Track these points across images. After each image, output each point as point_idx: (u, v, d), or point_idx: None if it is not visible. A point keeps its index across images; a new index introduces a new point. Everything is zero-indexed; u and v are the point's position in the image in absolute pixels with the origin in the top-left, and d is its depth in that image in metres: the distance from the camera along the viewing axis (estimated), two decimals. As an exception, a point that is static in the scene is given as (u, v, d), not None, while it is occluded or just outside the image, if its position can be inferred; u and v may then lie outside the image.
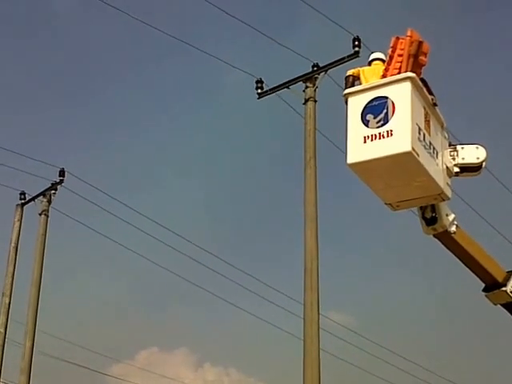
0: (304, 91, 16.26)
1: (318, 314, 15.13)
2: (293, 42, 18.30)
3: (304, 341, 14.94)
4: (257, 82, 16.87)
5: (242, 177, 43.77)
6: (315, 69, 16.22)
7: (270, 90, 16.85)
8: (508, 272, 9.81)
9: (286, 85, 16.61)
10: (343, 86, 8.95)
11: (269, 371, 35.71)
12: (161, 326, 38.03)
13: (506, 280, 9.67)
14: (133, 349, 38.45)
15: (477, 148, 8.97)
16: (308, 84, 16.22)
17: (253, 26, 17.13)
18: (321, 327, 15.21)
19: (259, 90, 16.88)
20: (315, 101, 16.18)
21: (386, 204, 8.79)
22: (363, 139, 8.15)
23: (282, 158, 39.42)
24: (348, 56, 15.80)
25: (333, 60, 16.10)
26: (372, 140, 8.10)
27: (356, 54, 15.62)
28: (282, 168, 39.91)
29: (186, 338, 37.76)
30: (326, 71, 16.17)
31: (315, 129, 16.10)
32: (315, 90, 16.20)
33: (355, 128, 8.25)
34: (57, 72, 46.77)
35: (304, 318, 15.10)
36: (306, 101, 16.18)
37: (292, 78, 16.52)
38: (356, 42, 15.66)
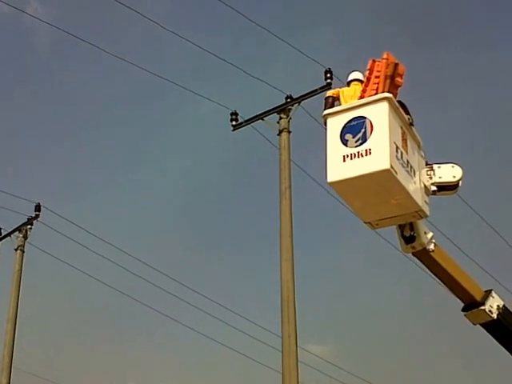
0: (278, 122, 16.51)
1: (296, 345, 15.10)
2: (267, 74, 18.63)
3: (282, 373, 14.86)
4: (231, 114, 17.09)
5: (217, 208, 43.86)
6: (289, 100, 16.52)
7: (245, 121, 17.06)
8: (486, 291, 9.92)
9: (261, 116, 16.86)
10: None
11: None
12: (137, 361, 37.55)
13: (485, 299, 9.77)
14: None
15: (453, 167, 9.15)
16: (282, 115, 16.49)
17: (227, 60, 17.40)
18: (299, 360, 15.16)
19: (234, 122, 17.08)
20: (289, 132, 16.42)
21: (365, 223, 8.90)
22: (342, 158, 8.30)
23: (257, 189, 39.59)
24: (320, 88, 16.11)
25: (306, 92, 16.40)
26: (351, 159, 8.26)
27: (328, 86, 15.90)
28: (257, 199, 40.06)
29: (163, 374, 37.24)
30: (300, 103, 16.47)
31: (290, 159, 16.29)
32: (289, 121, 16.46)
33: (334, 147, 8.41)
34: (33, 105, 46.79)
35: (282, 351, 15.04)
36: (280, 132, 16.42)
37: (266, 109, 16.76)
38: (328, 74, 15.99)
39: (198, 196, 43.81)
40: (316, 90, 16.17)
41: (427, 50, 44.28)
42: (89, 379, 34.03)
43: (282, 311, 15.23)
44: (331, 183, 8.37)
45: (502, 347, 10.53)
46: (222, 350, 26.60)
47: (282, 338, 15.13)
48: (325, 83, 15.98)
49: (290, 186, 16.11)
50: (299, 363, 15.15)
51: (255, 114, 16.92)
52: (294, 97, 16.51)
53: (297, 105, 16.48)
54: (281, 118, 16.46)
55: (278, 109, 16.55)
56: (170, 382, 38.39)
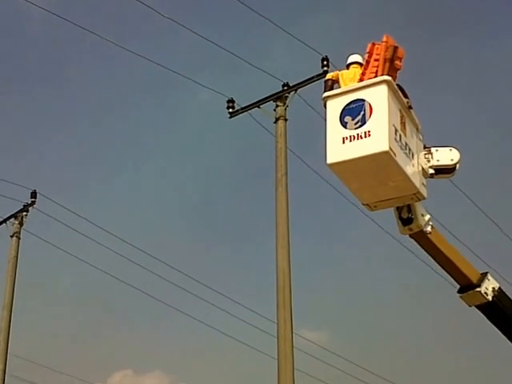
0: (275, 110, 16.58)
1: (292, 331, 15.21)
2: (264, 62, 18.71)
3: (278, 359, 14.99)
4: (228, 101, 17.13)
5: (214, 194, 44.02)
6: (285, 88, 16.59)
7: (242, 109, 17.11)
8: (482, 274, 10.04)
9: (257, 104, 16.92)
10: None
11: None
12: (134, 348, 37.68)
13: (480, 281, 9.89)
14: (106, 371, 37.99)
15: (450, 150, 9.26)
16: (278, 103, 16.57)
17: (224, 48, 17.44)
18: (294, 346, 15.27)
19: (230, 110, 17.13)
20: (286, 119, 16.51)
21: (363, 205, 9.02)
22: (342, 140, 8.40)
23: (254, 177, 39.68)
24: (317, 75, 16.19)
25: (302, 79, 16.47)
26: (350, 141, 8.35)
27: (325, 74, 15.81)
28: (253, 186, 40.16)
29: (160, 359, 37.42)
30: (296, 90, 16.54)
31: (286, 147, 16.39)
32: (285, 109, 16.54)
33: (334, 129, 8.49)
34: (28, 92, 46.75)
35: (277, 336, 15.15)
36: (277, 119, 16.50)
37: (263, 97, 16.82)
38: (325, 62, 16.07)
39: (195, 184, 44.01)
40: (312, 78, 16.26)
41: (430, 37, 44.38)
42: (88, 366, 34.21)
43: (277, 297, 15.33)
44: (330, 165, 8.46)
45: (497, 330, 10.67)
46: (216, 335, 26.75)
47: (277, 323, 15.24)
48: (321, 71, 16.05)
49: (286, 174, 16.20)
50: (295, 349, 15.27)
51: (252, 102, 16.99)
52: (291, 84, 16.57)
53: (293, 92, 16.56)
54: (277, 106, 16.53)
55: (275, 96, 16.62)
56: (168, 368, 38.61)
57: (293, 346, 15.16)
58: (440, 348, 35.70)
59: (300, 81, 16.51)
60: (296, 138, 17.15)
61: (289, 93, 16.57)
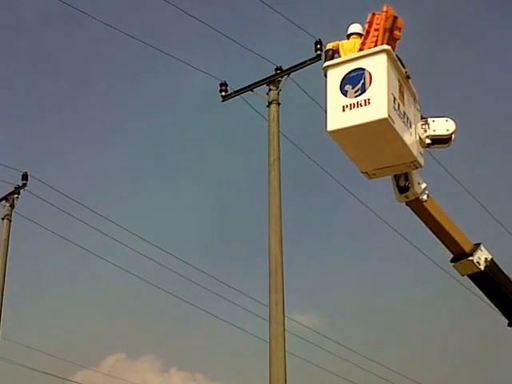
0: (267, 94, 16.65)
1: (283, 314, 15.29)
2: (257, 45, 18.75)
3: (269, 342, 15.05)
4: (221, 84, 17.13)
5: (206, 178, 43.92)
6: (278, 72, 16.62)
7: (234, 92, 17.17)
8: (475, 244, 10.27)
9: (250, 88, 16.94)
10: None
11: (236, 374, 35.53)
12: (127, 332, 37.63)
13: (473, 251, 10.13)
14: (98, 355, 37.88)
15: (446, 121, 9.49)
16: (271, 87, 16.58)
17: (218, 30, 17.44)
18: (286, 329, 15.38)
19: (223, 93, 17.16)
20: (278, 103, 16.53)
21: (362, 173, 9.23)
22: (342, 108, 8.62)
23: (246, 161, 39.57)
24: (310, 59, 16.24)
25: (295, 63, 16.55)
26: (350, 109, 8.57)
27: (318, 57, 15.96)
28: (246, 170, 40.05)
29: (153, 343, 37.35)
30: (289, 74, 16.60)
31: (279, 131, 16.44)
32: (278, 93, 16.57)
33: (334, 98, 8.71)
34: (20, 74, 46.56)
35: (269, 319, 15.24)
36: (270, 103, 16.53)
37: (255, 81, 16.90)
38: (318, 46, 16.08)
39: (187, 168, 43.94)
40: (305, 62, 16.33)
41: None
42: (80, 350, 34.13)
43: (269, 281, 15.42)
44: (331, 132, 8.67)
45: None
46: (208, 319, 26.74)
47: (269, 307, 15.34)
48: (315, 55, 16.10)
49: (278, 158, 16.27)
50: (286, 332, 15.39)
51: (244, 85, 17.06)
52: (284, 68, 16.61)
53: (286, 76, 16.62)
54: (270, 90, 16.58)
55: (268, 80, 16.64)
56: (161, 352, 38.61)
57: (284, 329, 15.27)
58: (431, 330, 36.04)
59: (293, 65, 16.59)
60: (289, 122, 17.25)
61: (282, 77, 16.60)
